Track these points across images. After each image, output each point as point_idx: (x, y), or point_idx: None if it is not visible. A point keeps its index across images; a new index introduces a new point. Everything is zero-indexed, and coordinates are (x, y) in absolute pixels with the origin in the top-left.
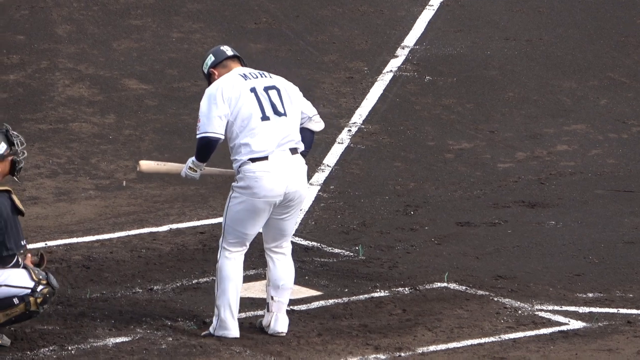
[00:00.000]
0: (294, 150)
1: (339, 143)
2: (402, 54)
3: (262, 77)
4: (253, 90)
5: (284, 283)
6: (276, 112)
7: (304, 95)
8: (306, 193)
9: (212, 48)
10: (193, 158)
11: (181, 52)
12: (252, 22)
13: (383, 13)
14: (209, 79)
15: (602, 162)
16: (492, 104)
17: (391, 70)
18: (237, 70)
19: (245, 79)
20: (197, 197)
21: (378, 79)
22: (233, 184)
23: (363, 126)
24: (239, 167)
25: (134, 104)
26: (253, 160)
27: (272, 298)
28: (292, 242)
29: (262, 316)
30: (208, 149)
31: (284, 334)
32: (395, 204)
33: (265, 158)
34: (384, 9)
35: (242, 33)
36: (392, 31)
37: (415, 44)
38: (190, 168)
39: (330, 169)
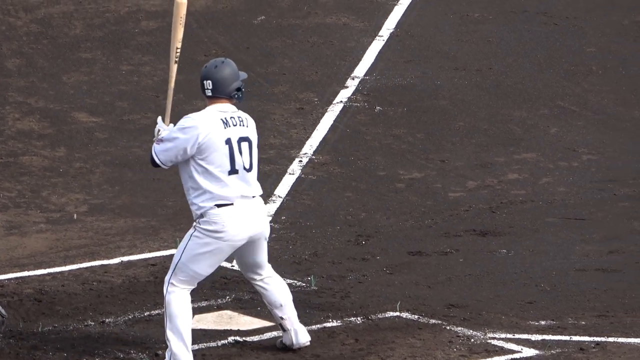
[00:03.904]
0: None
1: (290, 174)
2: (352, 84)
3: (240, 125)
4: (228, 142)
5: (283, 302)
6: (244, 166)
7: (256, 127)
8: (268, 229)
9: (224, 64)
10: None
11: (131, 85)
12: (202, 54)
13: (333, 44)
14: (203, 91)
15: (552, 190)
16: (443, 134)
17: (341, 101)
18: (222, 109)
19: (225, 127)
20: (148, 229)
21: (328, 109)
22: (196, 224)
23: (314, 157)
24: (204, 212)
25: (84, 136)
26: (219, 205)
27: (281, 318)
28: (240, 268)
29: (279, 337)
30: (152, 162)
31: (309, 343)
32: (347, 234)
33: (231, 204)
34: (333, 40)
35: (193, 65)
36: (342, 62)
37: (365, 75)
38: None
39: (281, 199)
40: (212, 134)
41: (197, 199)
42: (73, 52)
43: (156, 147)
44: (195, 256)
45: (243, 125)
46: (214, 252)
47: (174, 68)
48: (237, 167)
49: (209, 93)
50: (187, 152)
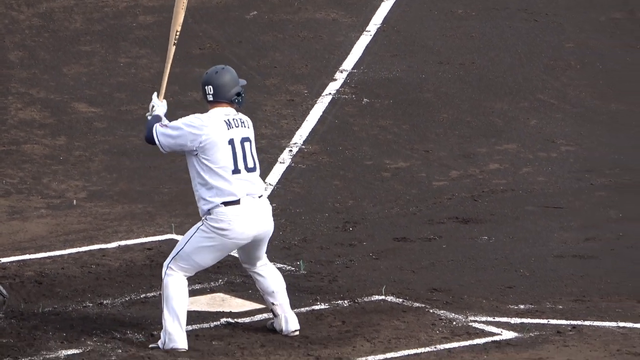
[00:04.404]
0: (260, 195)
1: (280, 163)
2: (340, 77)
3: (242, 126)
4: (231, 142)
5: (275, 288)
6: (247, 166)
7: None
8: (272, 227)
9: (224, 70)
10: (154, 114)
11: (129, 77)
12: (197, 48)
13: (322, 38)
14: (204, 96)
15: (532, 179)
16: (427, 125)
17: (330, 93)
18: (225, 112)
19: (229, 128)
20: (145, 215)
21: (318, 101)
22: (204, 219)
23: (303, 146)
24: (211, 208)
25: (84, 126)
26: (226, 204)
27: (272, 304)
28: (237, 258)
29: (270, 318)
30: (147, 139)
31: (299, 332)
32: (335, 221)
33: (237, 202)
34: (323, 34)
35: (188, 58)
36: (330, 56)
37: (353, 68)
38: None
39: (272, 187)
40: (215, 134)
41: (205, 194)
42: (73, 45)
43: (159, 129)
44: (199, 248)
45: (245, 127)
46: (217, 247)
47: (172, 49)
48: (239, 167)
49: (210, 98)
50: (187, 147)
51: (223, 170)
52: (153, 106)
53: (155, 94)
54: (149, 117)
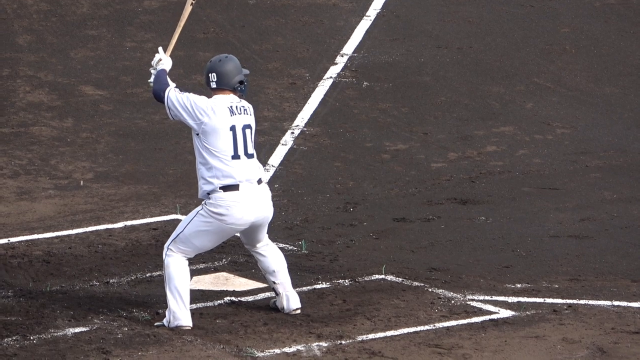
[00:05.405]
0: (259, 181)
1: (282, 145)
2: (341, 61)
3: (244, 113)
4: (232, 128)
5: (276, 268)
6: (246, 152)
7: (251, 101)
8: (272, 213)
9: (227, 59)
10: (158, 70)
11: (134, 60)
12: (201, 32)
13: (323, 23)
14: (208, 83)
15: (528, 161)
16: (426, 108)
17: (331, 77)
18: (229, 99)
19: (231, 115)
20: (150, 196)
21: (319, 84)
22: (204, 204)
23: (305, 129)
24: (210, 192)
25: (91, 108)
26: (224, 189)
27: (274, 283)
28: (240, 238)
29: (273, 297)
30: (156, 95)
31: (300, 310)
32: (336, 202)
33: (236, 188)
34: (324, 19)
35: (192, 42)
36: (331, 40)
37: (354, 52)
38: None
39: (274, 169)
40: (217, 120)
41: (205, 174)
42: (80, 30)
43: (172, 92)
44: (197, 232)
45: (247, 114)
46: (215, 231)
47: (189, 8)
48: (239, 153)
49: (213, 85)
50: (187, 123)
51: (223, 154)
52: (160, 59)
53: (161, 47)
54: (153, 72)
